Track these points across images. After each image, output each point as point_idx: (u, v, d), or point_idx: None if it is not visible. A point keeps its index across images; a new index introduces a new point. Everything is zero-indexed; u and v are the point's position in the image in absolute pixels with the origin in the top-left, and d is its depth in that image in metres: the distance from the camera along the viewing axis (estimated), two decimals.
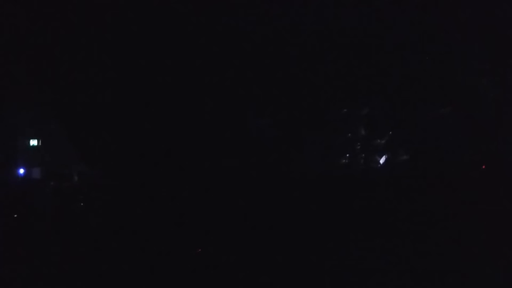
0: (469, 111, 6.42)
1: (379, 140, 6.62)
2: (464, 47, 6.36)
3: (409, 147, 6.58)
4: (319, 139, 6.62)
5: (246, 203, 6.24)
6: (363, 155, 6.65)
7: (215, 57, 6.36)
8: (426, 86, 6.43)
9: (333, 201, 6.21)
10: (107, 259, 5.85)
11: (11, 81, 6.45)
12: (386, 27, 6.35)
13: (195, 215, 6.21)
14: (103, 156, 6.55)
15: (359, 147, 6.65)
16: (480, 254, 5.59)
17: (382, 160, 6.51)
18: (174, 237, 6.03)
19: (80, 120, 6.59)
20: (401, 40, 6.37)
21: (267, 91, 6.44)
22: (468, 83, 6.43)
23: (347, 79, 6.47)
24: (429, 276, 5.62)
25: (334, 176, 6.48)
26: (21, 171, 6.56)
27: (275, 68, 6.43)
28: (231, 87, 6.43)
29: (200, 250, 5.92)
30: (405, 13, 6.28)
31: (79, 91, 6.48)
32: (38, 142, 6.63)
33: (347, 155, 6.68)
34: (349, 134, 6.68)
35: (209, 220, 6.13)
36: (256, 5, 6.29)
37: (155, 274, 5.84)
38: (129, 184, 6.49)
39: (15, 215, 6.30)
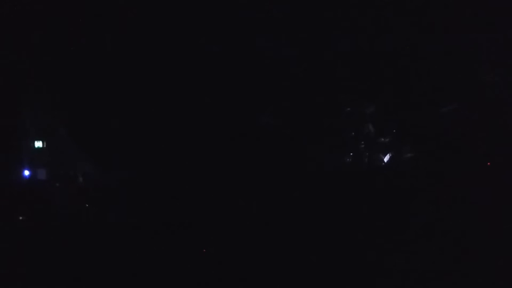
0: (471, 111, 6.43)
1: (382, 139, 6.64)
2: (466, 46, 6.37)
3: (411, 146, 6.59)
4: (321, 138, 6.63)
5: (247, 203, 6.25)
6: (367, 154, 6.66)
7: (214, 57, 6.38)
8: (429, 85, 6.44)
9: (333, 201, 6.23)
10: (108, 259, 5.89)
11: (14, 81, 6.48)
12: (388, 25, 6.36)
13: (195, 215, 6.22)
14: (107, 157, 6.58)
15: (362, 146, 6.66)
16: (480, 254, 5.61)
17: (386, 159, 6.51)
18: (174, 237, 6.06)
19: (84, 120, 6.61)
20: (403, 39, 6.38)
21: (268, 91, 6.45)
22: (471, 83, 6.44)
23: (350, 78, 6.49)
24: (429, 276, 5.64)
25: (335, 176, 6.49)
26: (26, 172, 6.58)
27: (276, 67, 6.45)
28: (230, 87, 6.44)
29: (205, 250, 5.95)
30: (408, 12, 6.29)
31: (82, 91, 6.50)
32: (43, 144, 6.64)
33: (351, 154, 6.69)
34: (352, 133, 6.69)
35: (209, 220, 6.16)
36: (256, 5, 6.31)
37: (156, 274, 5.88)
38: (131, 184, 6.52)
39: (20, 217, 6.33)
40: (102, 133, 6.51)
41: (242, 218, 6.16)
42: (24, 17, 6.24)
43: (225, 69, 6.37)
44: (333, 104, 6.54)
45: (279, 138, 6.47)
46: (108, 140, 6.49)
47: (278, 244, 6.00)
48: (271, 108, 6.53)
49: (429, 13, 6.20)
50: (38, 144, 6.60)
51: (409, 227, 5.97)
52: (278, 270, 5.88)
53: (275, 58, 6.44)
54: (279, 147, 6.45)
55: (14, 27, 6.23)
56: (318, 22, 6.36)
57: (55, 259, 5.93)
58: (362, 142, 6.64)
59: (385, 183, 6.37)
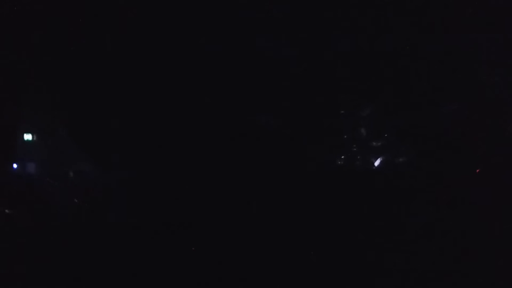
0: (471, 111, 6.42)
1: (382, 139, 6.63)
2: (466, 46, 6.36)
3: (411, 146, 6.58)
4: (322, 138, 6.63)
5: (247, 203, 6.25)
6: (366, 154, 6.66)
7: (214, 57, 6.37)
8: (429, 85, 6.44)
9: (333, 201, 6.22)
10: (108, 259, 5.89)
11: (14, 81, 6.47)
12: (388, 25, 6.36)
13: (196, 215, 6.22)
14: (107, 157, 6.58)
15: (362, 146, 6.66)
16: (480, 254, 5.61)
17: (377, 163, 6.51)
18: (175, 237, 6.06)
19: (84, 120, 6.61)
20: (403, 39, 6.37)
21: (268, 91, 6.45)
22: (471, 83, 6.43)
23: (350, 78, 6.48)
24: (429, 276, 5.64)
25: (334, 176, 6.49)
26: (14, 165, 6.48)
27: (276, 67, 6.44)
28: (230, 87, 6.44)
29: (194, 249, 5.94)
30: (408, 12, 6.29)
31: (81, 91, 6.50)
32: (32, 137, 6.56)
33: (350, 154, 6.68)
34: (352, 133, 6.69)
35: (209, 220, 6.16)
36: (256, 5, 6.31)
37: (156, 274, 5.87)
38: (131, 184, 6.52)
39: (6, 210, 6.26)
40: (102, 133, 6.51)
41: (242, 218, 6.16)
42: (24, 17, 6.23)
43: (225, 69, 6.36)
44: (333, 104, 6.53)
45: (279, 138, 6.47)
46: (108, 140, 6.48)
47: (278, 244, 6.00)
48: (271, 108, 6.53)
49: (429, 13, 6.20)
50: (28, 137, 6.53)
51: (409, 227, 5.97)
52: (278, 270, 5.89)
53: (275, 58, 6.43)
54: (279, 147, 6.44)
55: (14, 27, 6.23)
56: (318, 22, 6.35)
57: (55, 259, 5.93)
58: (362, 142, 6.63)
59: (385, 183, 6.37)
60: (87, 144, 6.54)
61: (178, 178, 6.36)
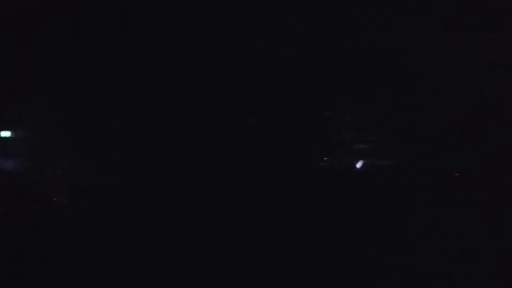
0: (471, 111, 6.42)
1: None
2: (466, 46, 6.36)
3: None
4: (321, 138, 6.63)
5: (244, 202, 6.25)
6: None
7: (214, 57, 6.38)
8: (429, 85, 6.44)
9: (333, 201, 6.22)
10: (108, 259, 5.89)
11: (14, 81, 6.47)
12: (388, 25, 6.36)
13: (195, 215, 6.22)
14: (107, 156, 6.58)
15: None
16: (480, 254, 5.61)
17: (359, 165, 6.50)
18: (175, 237, 6.06)
19: (84, 120, 6.60)
20: (403, 39, 6.37)
21: (268, 91, 6.45)
22: (471, 83, 6.43)
23: (350, 78, 6.48)
24: (429, 276, 5.64)
25: (334, 176, 6.49)
26: None
27: (276, 67, 6.44)
28: (230, 87, 6.44)
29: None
30: (408, 12, 6.29)
31: (81, 91, 6.50)
32: (12, 134, 6.50)
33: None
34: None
35: (209, 220, 6.16)
36: (256, 5, 6.31)
37: (156, 274, 5.87)
38: (131, 184, 6.52)
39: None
40: (102, 133, 6.50)
41: (242, 218, 6.16)
42: (24, 17, 6.23)
43: (225, 69, 6.37)
44: (333, 104, 6.54)
45: (279, 138, 6.47)
46: (108, 140, 6.48)
47: (278, 244, 6.00)
48: (271, 108, 6.53)
49: (429, 13, 6.20)
50: (6, 133, 6.49)
51: (409, 227, 5.97)
52: (278, 270, 5.88)
53: (275, 58, 6.43)
54: (279, 147, 6.44)
55: (14, 27, 6.23)
56: (318, 22, 6.35)
57: (55, 259, 5.92)
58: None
59: (385, 183, 6.36)
60: (87, 144, 6.53)
61: (178, 178, 6.36)
